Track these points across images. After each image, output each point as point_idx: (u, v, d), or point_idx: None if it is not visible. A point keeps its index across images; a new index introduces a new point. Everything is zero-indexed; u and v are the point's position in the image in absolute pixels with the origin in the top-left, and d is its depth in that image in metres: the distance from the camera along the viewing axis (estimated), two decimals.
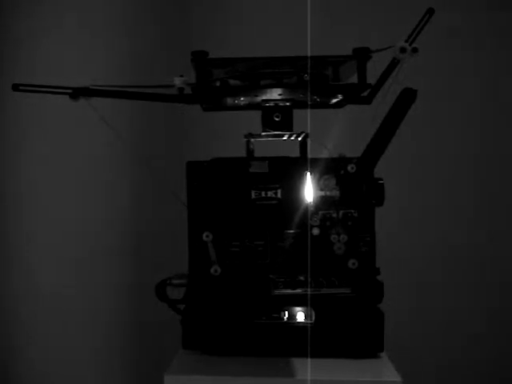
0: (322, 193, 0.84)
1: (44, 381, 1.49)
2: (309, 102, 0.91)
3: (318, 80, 0.85)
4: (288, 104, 0.88)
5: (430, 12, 0.81)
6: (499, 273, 1.47)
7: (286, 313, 0.85)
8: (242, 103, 0.94)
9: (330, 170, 0.83)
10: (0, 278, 1.49)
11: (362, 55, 0.81)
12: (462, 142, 1.46)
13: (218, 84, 0.87)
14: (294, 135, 0.89)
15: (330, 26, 1.38)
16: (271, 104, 0.88)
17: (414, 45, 0.81)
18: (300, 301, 0.83)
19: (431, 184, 1.46)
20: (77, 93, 0.87)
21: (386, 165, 0.85)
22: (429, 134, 1.45)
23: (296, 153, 0.88)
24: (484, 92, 1.46)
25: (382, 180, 0.84)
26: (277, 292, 0.83)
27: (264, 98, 0.88)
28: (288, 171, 0.84)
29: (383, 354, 0.85)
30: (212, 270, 0.84)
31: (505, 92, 1.46)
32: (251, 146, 0.89)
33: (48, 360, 1.48)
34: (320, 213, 0.84)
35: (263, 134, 0.89)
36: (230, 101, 0.94)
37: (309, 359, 0.81)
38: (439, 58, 1.40)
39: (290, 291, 0.83)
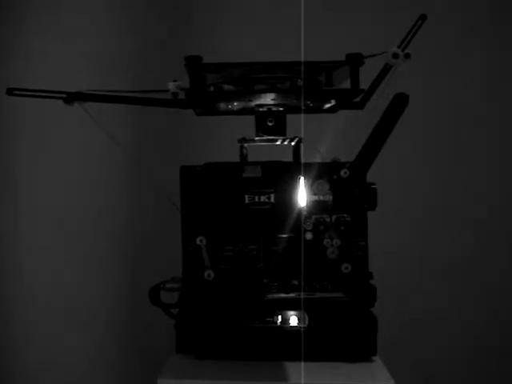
0: (315, 197, 0.84)
1: (38, 381, 1.48)
2: (302, 107, 0.92)
3: (311, 85, 0.86)
4: (281, 109, 0.89)
5: (423, 18, 0.82)
6: (498, 274, 1.47)
7: (280, 317, 0.85)
8: (235, 108, 0.95)
9: (323, 174, 0.84)
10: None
11: (354, 61, 0.82)
12: (456, 145, 1.47)
13: (211, 89, 0.87)
14: (288, 140, 0.90)
15: (323, 30, 1.39)
16: (264, 109, 0.89)
17: (406, 50, 0.82)
18: (293, 305, 0.84)
19: (425, 187, 1.47)
20: (71, 97, 0.87)
21: (379, 169, 0.86)
22: (422, 139, 1.46)
23: (289, 157, 0.89)
24: (479, 95, 1.46)
25: (374, 184, 0.85)
26: (270, 296, 0.84)
27: (257, 102, 0.88)
28: (281, 176, 0.84)
29: (376, 358, 0.85)
30: (205, 275, 0.84)
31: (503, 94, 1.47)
32: (245, 151, 0.89)
33: (43, 361, 1.47)
34: (313, 217, 0.84)
35: (257, 138, 0.89)
36: (223, 106, 0.94)
37: (302, 363, 0.81)
38: (436, 59, 1.41)
39: (283, 295, 0.84)
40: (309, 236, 0.84)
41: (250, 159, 0.89)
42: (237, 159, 0.88)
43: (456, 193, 1.47)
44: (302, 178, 0.83)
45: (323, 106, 0.95)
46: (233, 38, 1.45)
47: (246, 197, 0.84)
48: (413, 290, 1.46)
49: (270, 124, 0.88)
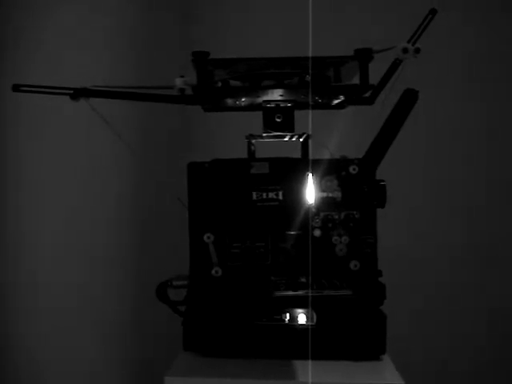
0: (324, 194, 0.83)
1: (43, 380, 1.48)
2: (310, 103, 0.91)
3: (319, 81, 0.85)
4: (289, 105, 0.88)
5: (433, 12, 0.81)
6: (505, 273, 1.46)
7: (288, 315, 0.84)
8: (243, 104, 0.94)
9: (332, 171, 0.83)
10: (1, 278, 1.48)
11: (363, 56, 0.81)
12: (464, 143, 1.46)
13: (219, 85, 0.87)
14: (296, 136, 0.89)
15: (332, 25, 1.38)
16: (272, 105, 0.88)
17: (416, 45, 0.81)
18: (301, 303, 0.83)
19: (433, 185, 1.46)
20: (77, 93, 0.87)
21: (388, 166, 0.85)
22: (430, 136, 1.45)
23: (297, 154, 0.88)
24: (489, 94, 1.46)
25: (383, 181, 0.84)
26: (278, 294, 0.83)
27: (265, 98, 0.88)
28: (289, 172, 0.83)
29: (385, 357, 0.84)
30: (213, 272, 0.83)
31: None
32: (252, 147, 0.89)
33: (49, 360, 1.47)
34: (321, 214, 0.83)
35: (264, 134, 0.88)
36: (231, 101, 0.93)
37: (310, 361, 0.80)
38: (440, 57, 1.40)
39: (291, 293, 0.83)
40: (317, 233, 0.83)
41: (257, 155, 0.88)
42: (244, 155, 0.88)
43: (459, 193, 1.46)
44: (310, 175, 0.83)
45: (332, 101, 0.94)
46: (239, 32, 1.44)
47: (254, 193, 0.83)
48: (417, 291, 1.45)
49: (278, 120, 0.87)
